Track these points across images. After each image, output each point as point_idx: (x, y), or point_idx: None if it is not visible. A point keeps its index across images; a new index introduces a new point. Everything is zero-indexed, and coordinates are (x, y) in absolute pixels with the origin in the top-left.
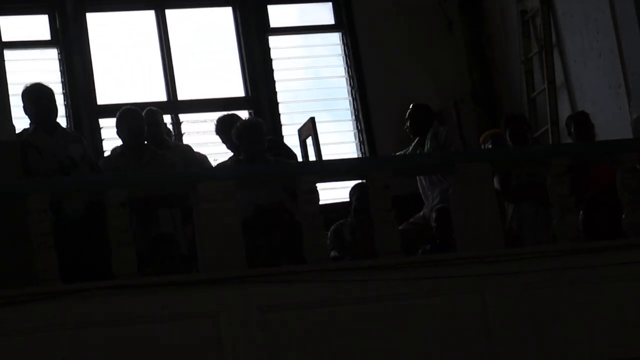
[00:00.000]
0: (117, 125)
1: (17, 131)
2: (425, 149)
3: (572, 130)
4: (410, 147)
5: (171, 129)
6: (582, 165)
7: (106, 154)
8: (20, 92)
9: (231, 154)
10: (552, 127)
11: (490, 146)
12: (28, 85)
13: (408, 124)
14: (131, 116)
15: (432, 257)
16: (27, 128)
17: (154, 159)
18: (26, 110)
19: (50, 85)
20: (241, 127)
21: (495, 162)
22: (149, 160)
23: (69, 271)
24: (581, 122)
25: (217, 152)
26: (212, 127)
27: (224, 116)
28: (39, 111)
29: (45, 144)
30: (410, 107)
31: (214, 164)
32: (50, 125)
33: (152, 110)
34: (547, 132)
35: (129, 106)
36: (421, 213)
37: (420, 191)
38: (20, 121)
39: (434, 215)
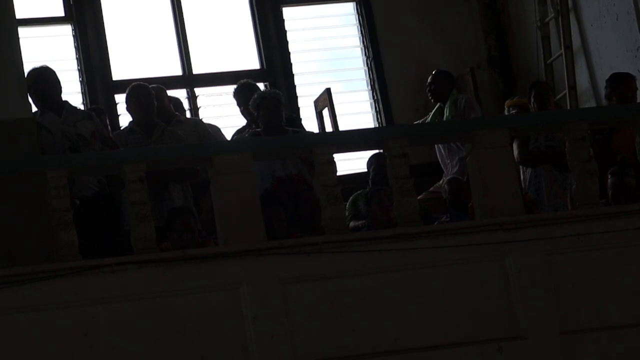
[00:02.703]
0: (127, 102)
1: None
2: (445, 116)
3: (610, 91)
4: (430, 116)
5: (186, 103)
6: (611, 128)
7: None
8: None
9: (245, 121)
10: (570, 92)
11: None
12: (29, 71)
13: (431, 88)
14: (140, 92)
15: (451, 226)
16: (37, 110)
17: (165, 135)
18: (30, 94)
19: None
20: (259, 99)
21: (513, 128)
22: (159, 136)
23: (84, 248)
24: (621, 83)
25: (233, 125)
26: (228, 100)
27: (245, 81)
28: (41, 94)
29: (54, 124)
30: (433, 72)
31: (227, 135)
32: (56, 105)
33: (156, 88)
34: (565, 97)
35: (137, 82)
36: (441, 182)
37: (439, 160)
38: None
39: (446, 187)
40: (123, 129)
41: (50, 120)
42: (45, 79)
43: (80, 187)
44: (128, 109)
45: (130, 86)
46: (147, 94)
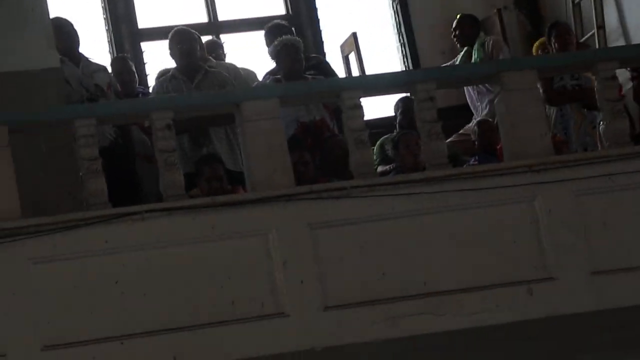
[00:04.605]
0: (169, 47)
1: None
2: (473, 59)
3: None
4: (458, 59)
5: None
6: None
7: (150, 77)
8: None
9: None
10: (599, 32)
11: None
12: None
13: (456, 33)
14: (182, 37)
15: (480, 168)
16: None
17: (207, 77)
18: None
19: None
20: (278, 46)
21: (542, 68)
22: (201, 79)
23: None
24: None
25: (260, 72)
26: (253, 46)
27: (276, 22)
28: (64, 41)
29: (73, 75)
30: (457, 17)
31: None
32: (75, 56)
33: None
34: (594, 36)
35: (179, 27)
36: (471, 124)
37: (469, 102)
38: None
39: (475, 128)
40: (165, 77)
41: (69, 71)
42: (64, 30)
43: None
44: (170, 54)
45: (172, 32)
46: (187, 39)
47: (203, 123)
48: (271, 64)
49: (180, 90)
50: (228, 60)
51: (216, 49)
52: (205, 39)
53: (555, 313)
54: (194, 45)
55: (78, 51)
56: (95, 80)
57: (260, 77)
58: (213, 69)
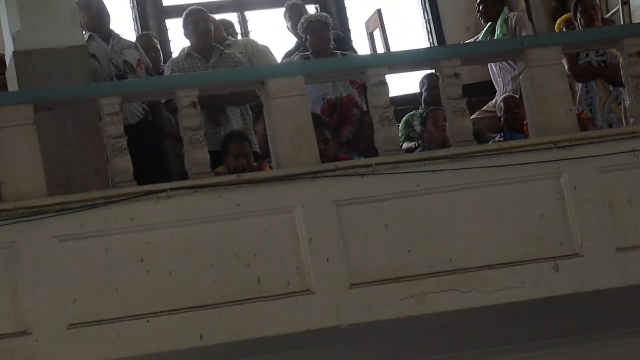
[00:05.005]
0: (184, 27)
1: None
2: (496, 35)
3: None
4: (481, 35)
5: (237, 27)
6: None
7: (175, 55)
8: None
9: (295, 40)
10: (624, 8)
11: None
12: None
13: (480, 9)
14: (198, 17)
15: (505, 145)
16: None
17: (222, 58)
18: (80, 20)
19: None
20: (307, 23)
21: (566, 45)
22: (217, 60)
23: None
24: None
25: (284, 49)
26: (278, 23)
27: (293, 2)
28: (93, 18)
29: (102, 52)
30: None
31: (278, 57)
32: (105, 32)
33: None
34: (619, 13)
35: (194, 7)
36: (494, 101)
37: (492, 79)
38: None
39: (501, 104)
40: (180, 54)
41: (98, 47)
42: (94, 6)
43: (127, 114)
44: (185, 34)
45: (186, 11)
46: (203, 19)
47: (221, 102)
48: (292, 42)
49: (196, 68)
50: (252, 37)
51: (228, 27)
52: (219, 17)
53: (581, 289)
54: (210, 26)
55: (108, 28)
56: (125, 57)
57: (276, 54)
58: (227, 52)
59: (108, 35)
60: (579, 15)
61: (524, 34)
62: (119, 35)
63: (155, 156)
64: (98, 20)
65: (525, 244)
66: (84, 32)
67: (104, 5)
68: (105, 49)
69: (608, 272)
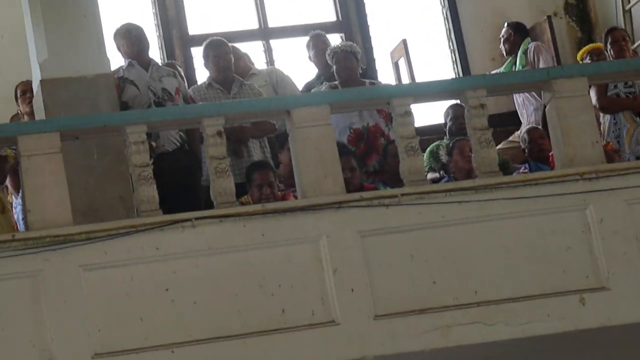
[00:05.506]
0: (204, 57)
1: (112, 69)
2: (516, 67)
3: None
4: (503, 67)
5: (262, 55)
6: None
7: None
8: (113, 26)
9: (316, 71)
10: None
11: (588, 62)
12: (120, 25)
13: (502, 41)
14: (219, 51)
15: (531, 176)
16: (122, 65)
17: (242, 90)
18: (119, 48)
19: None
20: (333, 52)
21: (592, 76)
22: (237, 91)
23: (166, 202)
24: None
25: (309, 77)
26: (304, 52)
27: (316, 32)
28: (132, 46)
29: (141, 79)
30: (504, 27)
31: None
32: (143, 60)
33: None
34: None
35: (215, 38)
36: (519, 132)
37: (517, 110)
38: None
39: (525, 136)
40: (201, 84)
41: (137, 74)
42: (133, 34)
43: (164, 141)
44: (205, 65)
45: (205, 43)
46: (223, 52)
47: (242, 135)
48: (313, 72)
49: (217, 99)
50: (277, 66)
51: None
52: (256, 45)
53: (608, 323)
54: (230, 59)
55: (147, 56)
56: (163, 85)
57: (297, 83)
58: (247, 83)
59: (147, 63)
60: (608, 46)
61: (541, 62)
62: (157, 63)
63: (189, 184)
64: (137, 47)
65: (550, 276)
66: (126, 58)
67: (144, 33)
68: (143, 76)
69: (635, 306)
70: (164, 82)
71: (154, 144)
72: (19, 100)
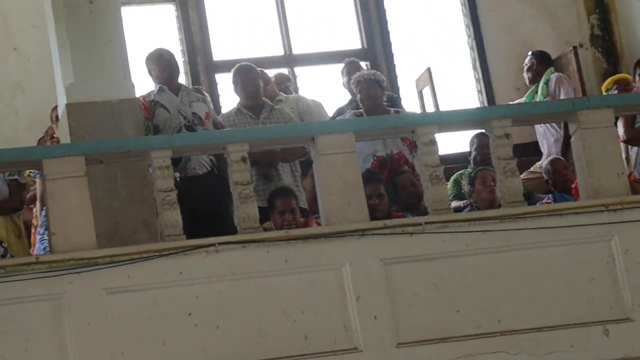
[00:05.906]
0: (233, 83)
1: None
2: (538, 97)
3: None
4: (525, 96)
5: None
6: None
7: (224, 109)
8: (138, 50)
9: (347, 99)
10: None
11: (615, 92)
12: (153, 50)
13: (526, 70)
14: (247, 77)
15: (556, 207)
16: (153, 90)
17: (272, 114)
18: (151, 72)
19: (168, 42)
20: (360, 79)
21: (618, 107)
22: (267, 116)
23: (190, 226)
24: None
25: (332, 105)
26: (328, 79)
27: (351, 59)
28: (163, 70)
29: (171, 103)
30: (527, 56)
31: (329, 112)
32: (174, 85)
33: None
34: None
35: (243, 64)
36: (540, 162)
37: (539, 139)
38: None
39: (548, 167)
40: (231, 110)
41: (168, 99)
42: (166, 59)
43: (195, 164)
44: (235, 90)
45: (234, 69)
46: (251, 79)
47: (272, 159)
48: (345, 98)
49: (246, 124)
50: (302, 93)
51: (285, 81)
52: (276, 72)
53: (632, 355)
54: (258, 84)
55: (177, 81)
56: (193, 109)
57: (328, 109)
58: (277, 107)
59: (177, 88)
60: (637, 77)
61: (562, 93)
62: (187, 88)
63: (217, 208)
64: (168, 72)
65: (574, 306)
66: (157, 82)
67: (174, 58)
68: (174, 100)
69: None
70: (194, 106)
71: (177, 174)
72: (54, 125)
